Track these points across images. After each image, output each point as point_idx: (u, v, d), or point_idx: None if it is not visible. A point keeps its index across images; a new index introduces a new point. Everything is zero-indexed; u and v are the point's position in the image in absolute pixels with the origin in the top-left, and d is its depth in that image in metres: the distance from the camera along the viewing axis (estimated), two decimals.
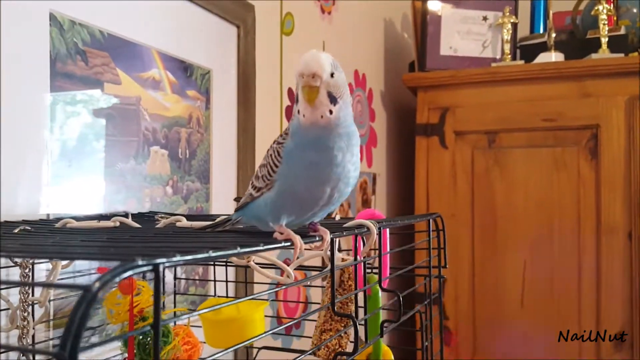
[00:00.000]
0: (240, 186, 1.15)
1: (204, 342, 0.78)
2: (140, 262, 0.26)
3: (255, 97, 1.20)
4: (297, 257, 0.52)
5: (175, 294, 0.93)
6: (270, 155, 0.51)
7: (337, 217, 0.78)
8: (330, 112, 0.47)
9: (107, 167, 0.85)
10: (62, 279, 0.73)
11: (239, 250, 0.35)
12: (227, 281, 0.89)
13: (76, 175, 0.81)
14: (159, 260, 0.27)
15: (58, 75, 0.78)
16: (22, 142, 0.73)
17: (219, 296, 0.91)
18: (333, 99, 0.48)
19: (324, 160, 0.47)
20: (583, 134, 1.75)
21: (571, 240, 1.75)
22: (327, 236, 0.49)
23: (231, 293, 1.04)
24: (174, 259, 0.29)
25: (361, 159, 1.76)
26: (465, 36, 1.90)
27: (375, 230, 0.53)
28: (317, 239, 0.48)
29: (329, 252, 0.56)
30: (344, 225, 0.54)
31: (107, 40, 0.86)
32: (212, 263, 0.88)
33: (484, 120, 1.85)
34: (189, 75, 1.03)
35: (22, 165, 0.74)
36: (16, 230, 0.53)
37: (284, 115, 1.36)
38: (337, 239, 0.50)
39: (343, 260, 0.67)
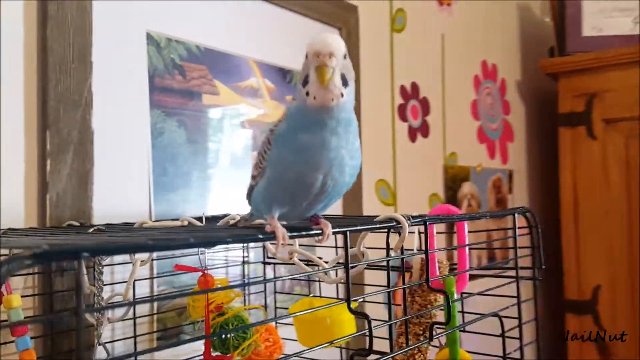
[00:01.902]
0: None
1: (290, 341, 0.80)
2: (39, 252, 0.27)
3: (360, 97, 1.20)
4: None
5: (275, 292, 0.96)
6: (263, 142, 0.51)
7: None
8: (342, 95, 0.45)
9: (207, 172, 0.91)
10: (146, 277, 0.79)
11: (191, 241, 0.35)
12: (319, 281, 0.89)
13: (178, 181, 0.87)
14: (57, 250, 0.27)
15: (156, 89, 0.85)
16: (127, 153, 0.81)
17: (313, 296, 0.92)
18: (345, 82, 0.46)
19: (316, 143, 0.45)
20: None
21: None
22: (328, 229, 0.47)
23: (339, 294, 1.05)
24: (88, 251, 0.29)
25: (493, 155, 1.66)
26: (611, 13, 1.70)
27: (407, 225, 0.49)
28: (317, 232, 0.46)
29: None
30: (375, 220, 0.51)
31: (203, 54, 0.92)
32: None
33: (638, 105, 1.64)
34: (288, 81, 1.06)
35: (128, 174, 0.81)
36: (90, 230, 0.59)
37: (396, 112, 1.33)
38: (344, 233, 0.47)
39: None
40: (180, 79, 0.88)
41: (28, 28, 0.72)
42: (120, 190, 0.80)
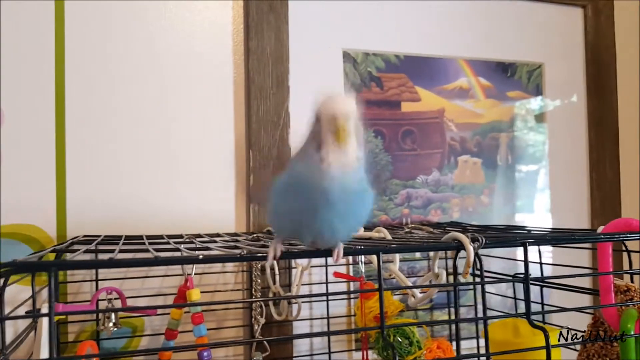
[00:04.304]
0: (593, 192, 0.97)
1: None
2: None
3: (617, 81, 1.00)
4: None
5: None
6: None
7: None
8: (357, 159, 0.40)
9: (404, 180, 0.91)
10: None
11: (155, 258, 0.37)
12: (528, 300, 0.79)
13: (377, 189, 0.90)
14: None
15: None
16: None
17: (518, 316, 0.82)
18: (359, 145, 0.40)
19: (304, 209, 0.41)
20: None
21: None
22: (337, 249, 0.42)
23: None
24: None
25: None
26: None
27: (471, 249, 0.41)
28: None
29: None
30: (442, 239, 0.43)
31: (403, 62, 0.92)
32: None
33: None
34: (509, 75, 0.96)
35: None
36: (240, 239, 0.67)
37: None
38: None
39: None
40: (378, 90, 0.91)
41: (236, 64, 0.86)
42: None
